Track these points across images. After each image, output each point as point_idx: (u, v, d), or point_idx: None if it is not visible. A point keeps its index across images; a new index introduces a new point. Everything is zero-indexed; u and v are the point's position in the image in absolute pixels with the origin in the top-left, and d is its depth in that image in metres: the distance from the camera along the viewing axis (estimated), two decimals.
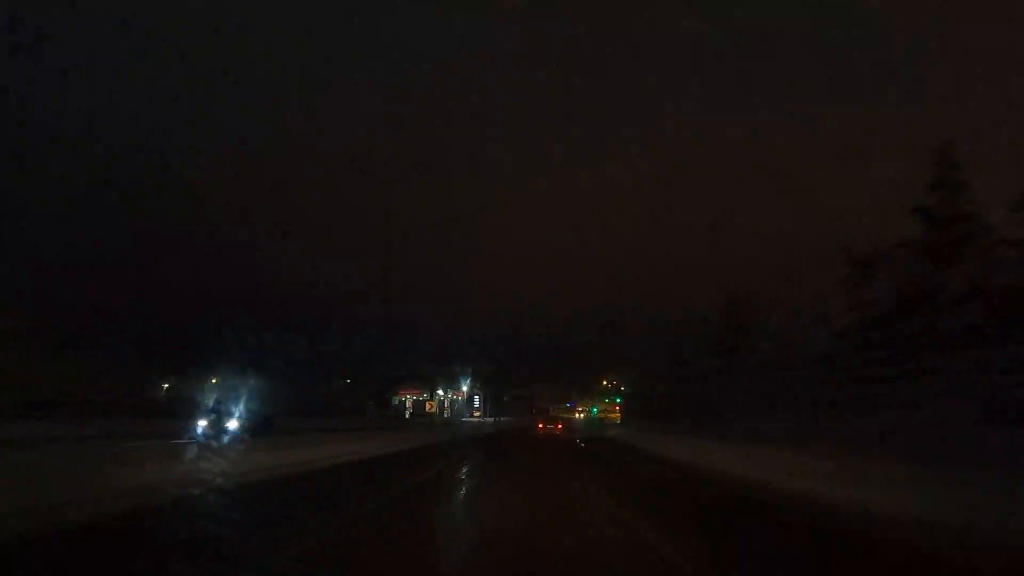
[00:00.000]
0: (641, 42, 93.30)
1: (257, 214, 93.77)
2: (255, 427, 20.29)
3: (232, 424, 19.30)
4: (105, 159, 66.12)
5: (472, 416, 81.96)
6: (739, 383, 29.03)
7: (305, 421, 32.96)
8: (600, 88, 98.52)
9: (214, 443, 15.70)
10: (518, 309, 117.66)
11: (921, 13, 70.01)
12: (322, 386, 60.33)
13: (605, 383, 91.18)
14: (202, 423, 18.40)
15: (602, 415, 78.54)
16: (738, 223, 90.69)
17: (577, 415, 79.19)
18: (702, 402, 33.07)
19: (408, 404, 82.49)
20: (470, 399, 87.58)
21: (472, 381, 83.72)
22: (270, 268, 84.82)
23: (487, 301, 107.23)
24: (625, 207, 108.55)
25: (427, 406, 74.70)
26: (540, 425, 54.32)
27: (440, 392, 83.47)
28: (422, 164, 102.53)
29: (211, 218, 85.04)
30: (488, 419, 78.43)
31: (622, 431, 44.33)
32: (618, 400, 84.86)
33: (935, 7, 68.61)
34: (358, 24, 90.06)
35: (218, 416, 19.40)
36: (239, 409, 20.19)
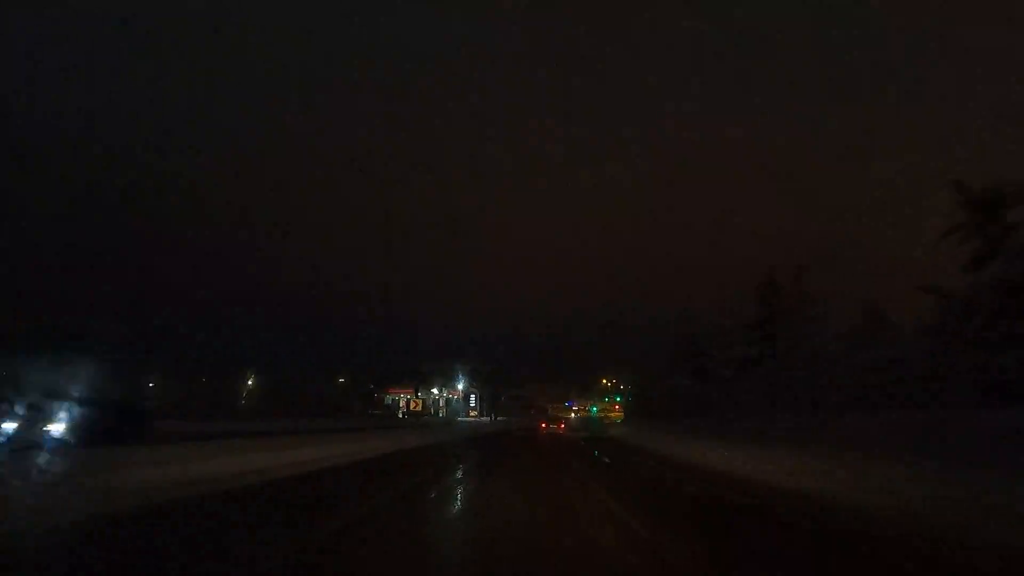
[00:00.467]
0: (641, 42, 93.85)
1: (257, 214, 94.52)
2: (116, 430, 14.28)
3: (56, 427, 13.32)
4: (105, 159, 66.68)
5: (468, 416, 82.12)
6: (778, 374, 26.01)
7: (281, 422, 32.09)
8: (600, 88, 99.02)
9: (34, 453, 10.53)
10: (518, 309, 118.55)
11: (921, 13, 70.49)
12: (316, 385, 60.55)
13: (605, 382, 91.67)
14: (9, 425, 12.53)
15: (602, 414, 78.86)
16: (738, 223, 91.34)
17: (573, 414, 79.53)
18: (702, 401, 33.17)
19: (402, 403, 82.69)
20: (466, 398, 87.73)
21: (469, 380, 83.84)
22: (270, 268, 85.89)
23: (487, 301, 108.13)
24: (625, 207, 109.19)
25: (412, 404, 74.61)
26: (543, 425, 56.33)
27: (435, 391, 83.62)
28: (422, 164, 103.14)
29: (211, 218, 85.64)
30: (484, 419, 78.62)
31: (623, 430, 44.62)
32: (618, 399, 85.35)
33: (935, 7, 69.09)
34: (358, 24, 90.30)
35: (33, 415, 13.20)
36: (76, 404, 13.82)
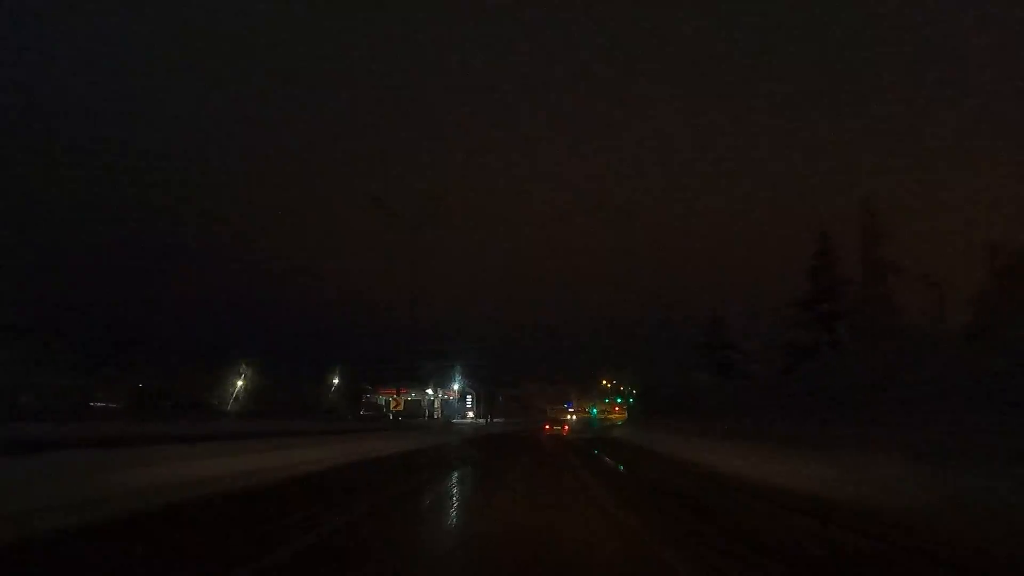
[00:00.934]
0: (640, 42, 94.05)
1: (254, 213, 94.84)
2: None
3: None
4: (106, 161, 66.96)
5: (466, 417, 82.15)
6: (839, 364, 20.88)
7: (253, 424, 30.74)
8: (600, 87, 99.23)
9: None
10: (517, 308, 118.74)
11: (920, 13, 70.83)
12: (300, 384, 60.51)
13: (605, 383, 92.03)
14: None
15: (602, 416, 79.35)
16: (738, 223, 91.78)
17: (570, 415, 79.91)
18: (722, 400, 33.13)
19: (393, 404, 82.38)
20: (463, 398, 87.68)
21: (465, 380, 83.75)
22: (265, 266, 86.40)
23: (486, 300, 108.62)
24: (625, 207, 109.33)
25: (392, 404, 74.48)
26: (546, 427, 58.39)
27: (430, 391, 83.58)
28: (422, 164, 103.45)
29: (208, 217, 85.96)
30: (480, 421, 78.69)
31: (627, 431, 45.02)
32: (619, 400, 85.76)
33: (934, 7, 69.52)
34: (358, 24, 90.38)
35: None
36: None
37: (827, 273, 25.28)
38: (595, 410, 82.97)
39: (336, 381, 67.01)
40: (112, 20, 76.46)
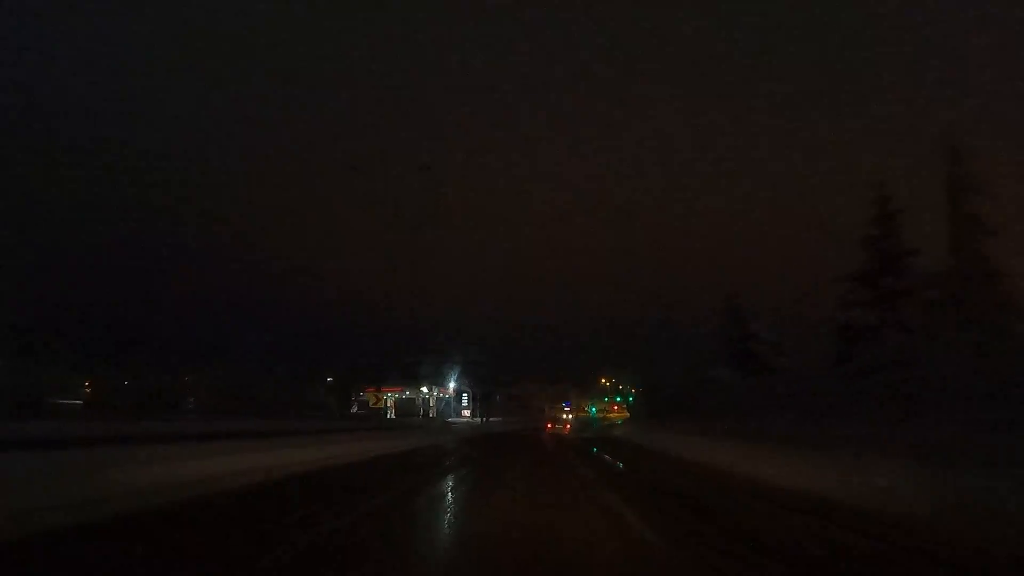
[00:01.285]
0: (640, 42, 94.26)
1: (254, 213, 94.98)
2: None
3: None
4: (106, 161, 66.98)
5: (461, 416, 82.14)
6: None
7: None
8: (600, 87, 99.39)
9: None
10: (517, 308, 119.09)
11: (920, 13, 71.02)
12: (288, 382, 60.69)
13: (604, 381, 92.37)
14: None
15: (601, 415, 79.70)
16: (738, 223, 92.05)
17: (566, 414, 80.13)
18: (707, 402, 33.38)
19: (391, 403, 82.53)
20: (458, 396, 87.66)
21: (462, 378, 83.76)
22: (265, 266, 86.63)
23: (486, 300, 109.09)
24: (625, 207, 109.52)
25: (372, 402, 74.37)
26: (548, 426, 61.76)
27: (424, 389, 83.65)
28: (421, 164, 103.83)
29: (208, 217, 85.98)
30: (476, 420, 78.74)
31: (627, 430, 45.25)
32: (618, 399, 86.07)
33: (934, 7, 69.71)
34: (358, 24, 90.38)
35: None
36: None
37: (889, 241, 21.51)
38: (595, 409, 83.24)
39: (329, 380, 67.15)
40: (112, 20, 76.63)
